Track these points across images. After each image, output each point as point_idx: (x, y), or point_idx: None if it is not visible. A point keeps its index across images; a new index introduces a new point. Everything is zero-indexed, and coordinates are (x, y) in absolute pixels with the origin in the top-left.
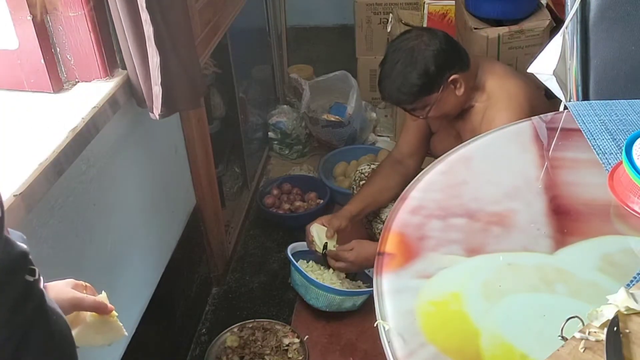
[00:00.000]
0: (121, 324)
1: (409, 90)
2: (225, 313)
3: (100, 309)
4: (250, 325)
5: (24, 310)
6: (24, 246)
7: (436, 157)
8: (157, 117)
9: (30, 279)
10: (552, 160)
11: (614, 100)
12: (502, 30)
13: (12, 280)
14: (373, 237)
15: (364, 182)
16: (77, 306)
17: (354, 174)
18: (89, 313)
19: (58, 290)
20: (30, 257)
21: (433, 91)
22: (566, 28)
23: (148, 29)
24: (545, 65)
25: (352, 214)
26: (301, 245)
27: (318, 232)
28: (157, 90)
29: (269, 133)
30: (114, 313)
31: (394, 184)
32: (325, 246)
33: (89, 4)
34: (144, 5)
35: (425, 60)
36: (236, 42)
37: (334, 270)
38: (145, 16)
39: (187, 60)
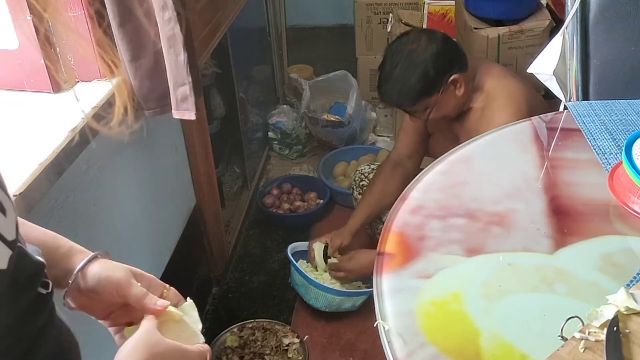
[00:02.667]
0: (194, 329)
1: (409, 93)
2: (225, 313)
3: (144, 307)
4: (250, 325)
5: (35, 322)
6: (40, 259)
7: (434, 158)
8: (194, 115)
9: (43, 291)
10: (552, 160)
11: (613, 100)
12: (502, 30)
13: (26, 292)
14: (373, 237)
15: (364, 182)
16: (122, 292)
17: (354, 174)
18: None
19: (114, 267)
20: (45, 270)
21: (433, 93)
22: (566, 28)
23: (173, 27)
24: (545, 65)
25: (355, 229)
26: (301, 246)
27: (319, 250)
28: (186, 89)
29: (269, 133)
30: (176, 313)
31: (394, 187)
32: (325, 248)
33: (89, 3)
34: (170, 3)
35: (424, 64)
36: (236, 42)
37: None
38: (170, 14)
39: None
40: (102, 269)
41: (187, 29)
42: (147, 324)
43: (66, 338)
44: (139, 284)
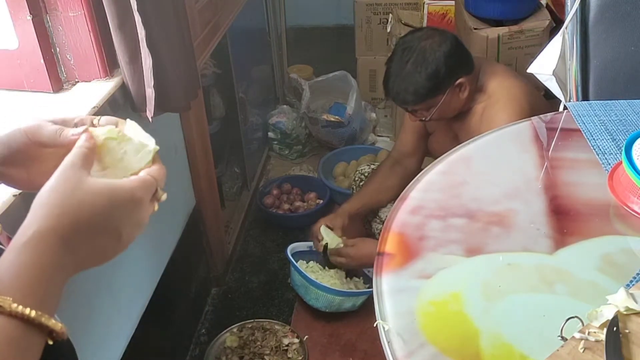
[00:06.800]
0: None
1: (418, 91)
2: (224, 313)
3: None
4: (250, 326)
5: None
6: None
7: (434, 158)
8: (150, 119)
9: None
10: (552, 160)
11: (613, 101)
12: (502, 30)
13: None
14: (372, 237)
15: (363, 182)
16: (34, 137)
17: (354, 174)
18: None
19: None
20: None
21: (439, 93)
22: (566, 28)
23: (140, 32)
24: (545, 66)
25: (350, 211)
26: (301, 246)
27: (327, 234)
28: (149, 92)
29: (269, 133)
30: (112, 129)
31: (392, 183)
32: (325, 247)
33: (89, 3)
34: (136, 7)
35: (436, 62)
36: (236, 42)
37: (333, 265)
38: (137, 18)
39: (183, 62)
40: (7, 129)
41: (184, 31)
42: (65, 161)
43: (61, 343)
44: (54, 125)
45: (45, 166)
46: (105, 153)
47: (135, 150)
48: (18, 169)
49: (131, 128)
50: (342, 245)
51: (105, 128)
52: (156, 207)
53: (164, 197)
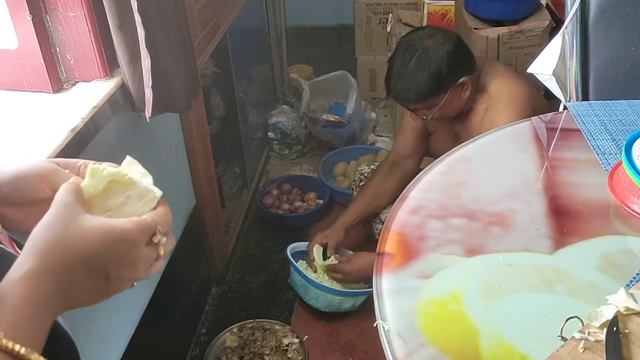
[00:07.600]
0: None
1: (420, 90)
2: (224, 313)
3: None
4: (250, 326)
5: None
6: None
7: (435, 158)
8: (147, 119)
9: None
10: (552, 160)
11: (613, 101)
12: (502, 30)
13: None
14: (372, 237)
15: (363, 182)
16: (49, 182)
17: (354, 174)
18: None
19: (30, 161)
20: None
21: (441, 92)
22: (566, 28)
23: (140, 32)
24: (545, 66)
25: (347, 225)
26: (301, 246)
27: (318, 253)
28: (148, 93)
29: (269, 133)
30: (119, 172)
31: (390, 187)
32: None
33: (89, 3)
34: (136, 7)
35: (439, 61)
36: (236, 42)
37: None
38: (137, 18)
39: (183, 62)
40: (16, 167)
41: (184, 31)
42: (58, 198)
43: (62, 341)
44: (67, 170)
45: (45, 208)
46: (108, 195)
47: (139, 196)
48: (18, 209)
49: (129, 162)
50: (336, 261)
51: (111, 169)
52: (161, 252)
53: (163, 240)
